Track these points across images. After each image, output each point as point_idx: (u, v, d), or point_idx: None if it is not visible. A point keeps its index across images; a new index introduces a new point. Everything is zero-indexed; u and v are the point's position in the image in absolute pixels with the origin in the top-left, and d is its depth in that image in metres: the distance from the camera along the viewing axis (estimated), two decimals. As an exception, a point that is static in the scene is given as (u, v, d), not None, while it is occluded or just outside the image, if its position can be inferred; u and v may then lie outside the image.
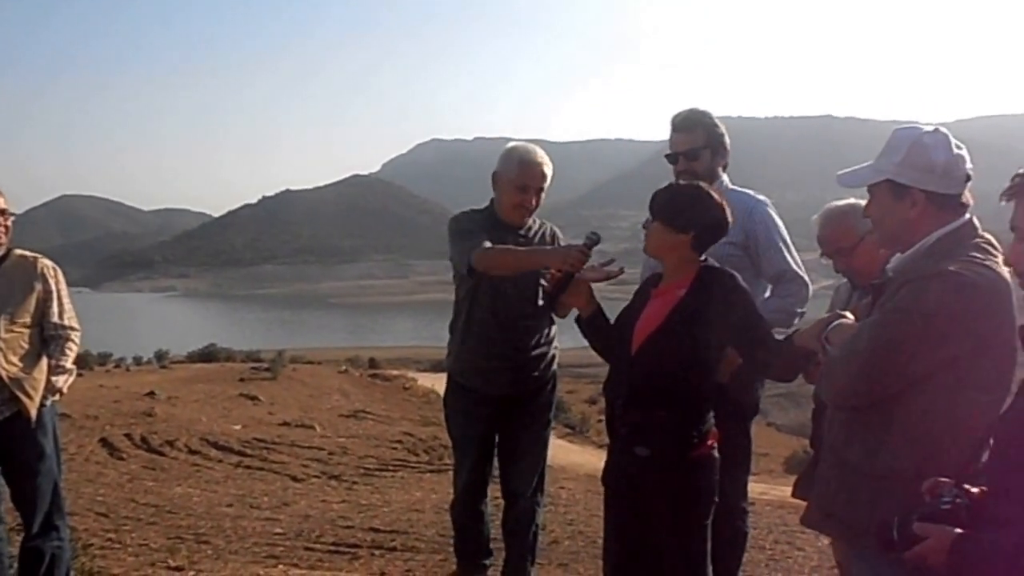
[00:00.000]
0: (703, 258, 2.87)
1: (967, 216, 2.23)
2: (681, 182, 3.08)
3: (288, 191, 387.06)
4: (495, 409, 3.87)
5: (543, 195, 3.80)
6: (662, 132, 3.78)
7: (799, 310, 3.45)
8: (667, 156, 3.61)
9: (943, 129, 2.24)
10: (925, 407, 2.10)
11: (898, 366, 2.09)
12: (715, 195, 2.86)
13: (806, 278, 3.50)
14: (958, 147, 2.22)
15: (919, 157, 2.20)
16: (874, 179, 2.27)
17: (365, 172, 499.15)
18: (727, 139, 3.62)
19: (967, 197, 2.24)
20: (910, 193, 2.20)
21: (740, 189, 3.62)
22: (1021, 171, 1.82)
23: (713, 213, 2.85)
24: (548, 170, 3.77)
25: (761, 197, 3.59)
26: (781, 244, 3.48)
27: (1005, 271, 2.12)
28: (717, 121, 3.60)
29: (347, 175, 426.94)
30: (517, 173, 3.72)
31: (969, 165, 2.23)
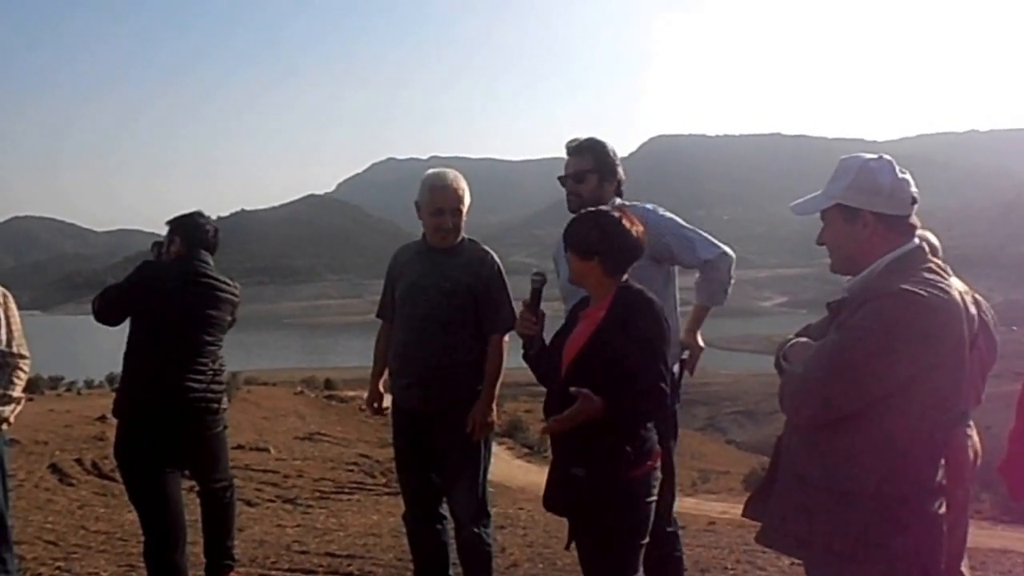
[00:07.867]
0: (624, 278, 2.93)
1: (917, 241, 2.29)
2: (589, 210, 3.08)
3: (242, 211, 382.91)
4: (417, 425, 3.90)
5: (463, 215, 3.88)
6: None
7: (730, 280, 3.71)
8: (559, 178, 3.77)
9: (887, 156, 2.31)
10: (885, 424, 2.14)
11: (859, 383, 2.13)
12: (623, 220, 2.92)
13: (725, 248, 3.67)
14: (902, 172, 2.29)
15: (866, 180, 2.27)
16: (825, 205, 2.33)
17: (320, 192, 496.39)
18: (620, 168, 3.74)
19: (915, 219, 2.30)
20: (861, 215, 2.27)
21: (629, 204, 3.68)
22: None
23: (618, 240, 2.91)
24: (462, 191, 3.86)
25: (648, 205, 3.70)
26: (691, 233, 3.61)
27: (956, 292, 2.19)
28: (610, 150, 3.74)
29: (302, 195, 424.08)
30: (429, 199, 3.84)
31: (914, 189, 2.30)
